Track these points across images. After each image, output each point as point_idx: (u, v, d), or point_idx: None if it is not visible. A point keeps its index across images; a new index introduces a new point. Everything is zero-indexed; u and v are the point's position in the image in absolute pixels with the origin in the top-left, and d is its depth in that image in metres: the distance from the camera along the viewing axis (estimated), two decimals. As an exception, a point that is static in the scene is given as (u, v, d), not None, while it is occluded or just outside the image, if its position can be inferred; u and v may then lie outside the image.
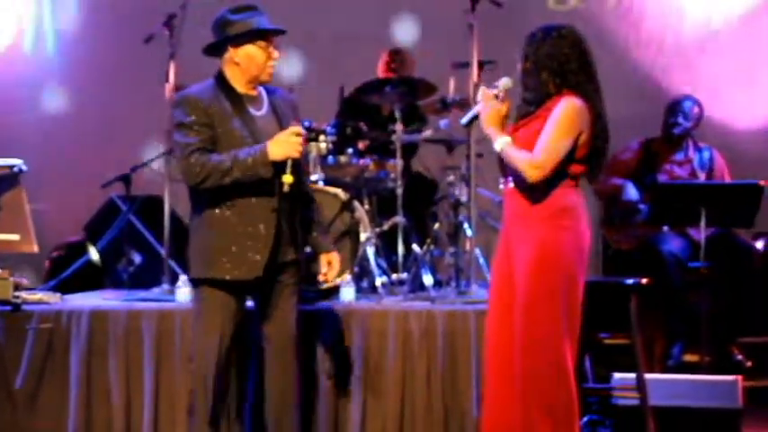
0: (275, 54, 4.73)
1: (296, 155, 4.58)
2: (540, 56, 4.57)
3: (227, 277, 4.65)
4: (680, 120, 6.84)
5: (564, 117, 4.48)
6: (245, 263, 4.66)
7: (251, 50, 4.71)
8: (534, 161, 4.46)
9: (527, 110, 4.64)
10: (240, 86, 4.73)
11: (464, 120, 4.79)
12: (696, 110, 6.88)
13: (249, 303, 4.88)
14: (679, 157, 6.87)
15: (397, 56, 7.29)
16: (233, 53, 4.71)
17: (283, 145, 4.57)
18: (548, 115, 4.52)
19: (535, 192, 4.53)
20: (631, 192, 6.73)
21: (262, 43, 4.70)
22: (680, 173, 6.82)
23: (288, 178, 4.54)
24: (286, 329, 4.82)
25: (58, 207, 7.65)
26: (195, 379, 4.79)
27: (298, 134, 4.59)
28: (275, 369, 4.84)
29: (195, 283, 4.79)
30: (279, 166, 4.58)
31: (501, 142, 4.54)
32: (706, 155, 6.88)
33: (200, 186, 4.60)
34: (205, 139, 4.61)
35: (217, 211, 4.68)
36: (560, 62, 4.55)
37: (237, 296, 4.74)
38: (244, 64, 4.72)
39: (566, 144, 4.48)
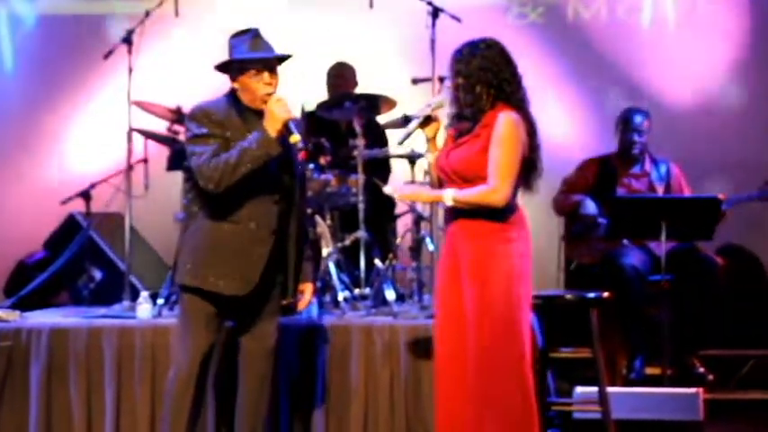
0: (267, 79, 4.71)
1: (289, 116, 4.62)
2: (472, 70, 4.57)
3: (213, 289, 4.66)
4: (635, 138, 6.82)
5: (508, 135, 4.50)
6: (235, 279, 4.67)
7: (244, 79, 4.72)
8: (494, 188, 4.49)
9: (463, 128, 4.64)
10: (249, 104, 4.74)
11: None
12: (647, 123, 6.87)
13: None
14: (636, 170, 6.88)
15: (340, 70, 7.31)
16: (234, 79, 4.75)
17: (274, 116, 4.61)
18: (487, 133, 4.54)
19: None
20: (590, 206, 6.75)
21: (253, 71, 4.70)
22: (638, 186, 6.84)
23: (294, 138, 4.61)
24: (265, 345, 4.85)
25: (16, 224, 7.59)
26: (169, 396, 4.76)
27: (278, 100, 4.64)
28: (250, 384, 4.85)
29: (180, 290, 4.79)
30: (284, 146, 4.64)
31: (448, 196, 4.56)
32: (663, 168, 6.89)
33: (219, 189, 4.59)
34: (219, 148, 4.62)
35: (215, 222, 4.69)
36: (494, 72, 4.56)
37: (221, 310, 4.74)
38: (241, 89, 4.74)
39: (517, 160, 4.52)
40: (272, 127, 4.60)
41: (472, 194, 4.53)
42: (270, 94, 4.69)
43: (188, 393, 4.71)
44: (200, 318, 4.71)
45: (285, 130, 4.62)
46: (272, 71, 4.73)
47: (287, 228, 4.80)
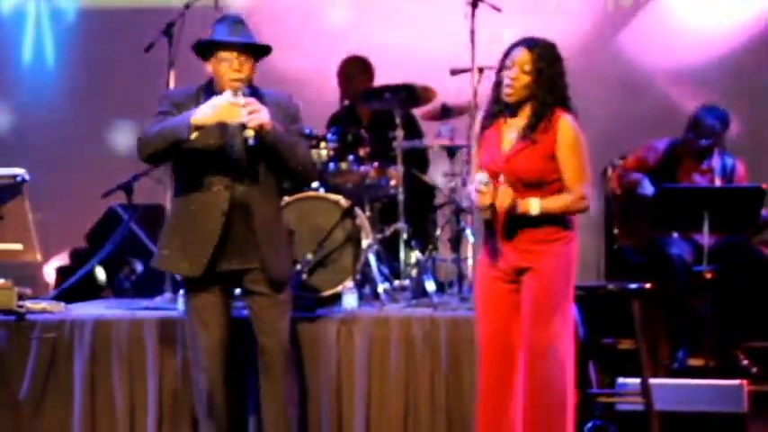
0: (236, 66, 4.66)
1: (230, 119, 4.56)
2: (553, 74, 4.56)
3: (171, 270, 4.91)
4: (702, 143, 6.61)
5: (576, 140, 4.55)
6: (186, 260, 4.73)
7: (213, 62, 4.72)
8: (581, 196, 4.55)
9: (519, 134, 4.62)
10: (221, 89, 4.69)
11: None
12: (717, 125, 6.60)
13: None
14: (704, 165, 6.68)
15: (352, 64, 7.25)
16: (206, 62, 4.76)
17: (211, 108, 4.54)
18: (549, 139, 4.55)
19: None
20: (647, 187, 6.63)
21: (221, 55, 4.67)
22: (700, 181, 6.68)
23: (249, 132, 4.53)
24: (274, 342, 4.83)
25: (59, 216, 7.64)
26: (194, 395, 4.96)
27: (233, 93, 4.57)
28: (264, 382, 4.88)
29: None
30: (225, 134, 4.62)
31: (534, 206, 4.54)
32: (729, 163, 6.70)
33: (147, 158, 4.67)
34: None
35: (175, 204, 4.83)
36: (563, 80, 4.60)
37: (215, 291, 4.80)
38: (214, 74, 4.74)
39: (588, 162, 4.59)
40: (203, 112, 4.53)
41: (560, 205, 4.56)
42: (237, 80, 4.64)
43: (202, 385, 4.84)
44: (195, 310, 4.81)
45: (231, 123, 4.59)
46: (243, 58, 4.67)
47: (253, 210, 4.71)
